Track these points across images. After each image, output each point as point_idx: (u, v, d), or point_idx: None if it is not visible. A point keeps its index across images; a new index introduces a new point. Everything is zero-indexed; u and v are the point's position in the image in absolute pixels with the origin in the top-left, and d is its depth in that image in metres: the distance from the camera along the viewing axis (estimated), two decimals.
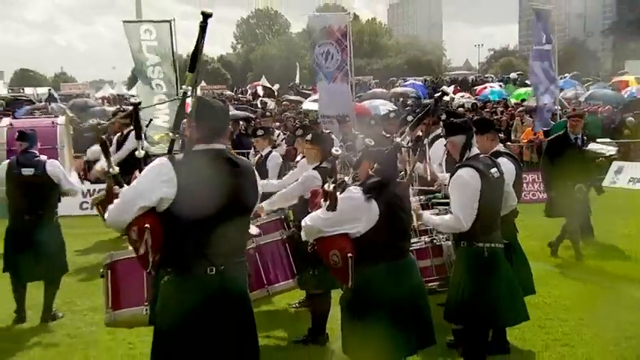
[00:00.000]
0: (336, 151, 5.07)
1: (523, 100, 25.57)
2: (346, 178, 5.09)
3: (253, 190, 4.40)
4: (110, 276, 5.97)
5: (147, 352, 6.37)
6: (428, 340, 5.09)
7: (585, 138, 10.53)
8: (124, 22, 16.54)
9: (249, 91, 39.45)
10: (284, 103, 29.06)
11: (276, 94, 35.34)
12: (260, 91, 34.60)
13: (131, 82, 56.19)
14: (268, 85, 38.58)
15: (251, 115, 24.96)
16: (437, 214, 6.03)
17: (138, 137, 5.08)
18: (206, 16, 4.50)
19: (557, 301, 8.08)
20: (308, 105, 23.93)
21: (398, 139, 5.44)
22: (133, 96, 33.45)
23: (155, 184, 4.02)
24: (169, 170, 3.97)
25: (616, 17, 59.27)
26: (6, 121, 15.07)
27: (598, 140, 14.94)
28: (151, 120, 12.97)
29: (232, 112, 23.38)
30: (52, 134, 14.56)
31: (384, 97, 27.45)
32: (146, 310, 5.84)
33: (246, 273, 4.53)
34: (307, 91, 34.50)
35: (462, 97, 31.62)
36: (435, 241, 6.16)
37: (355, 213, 4.69)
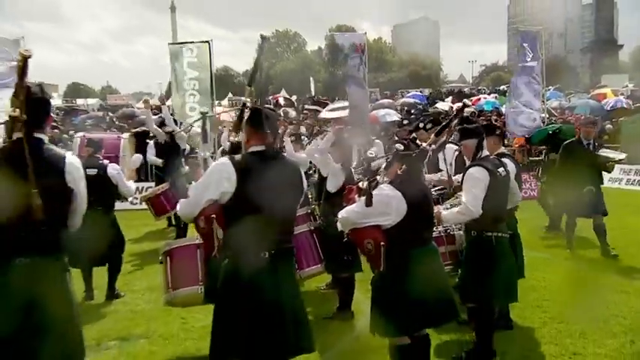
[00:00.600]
0: (371, 153, 5.22)
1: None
2: (379, 178, 5.12)
3: (298, 185, 4.55)
4: (168, 261, 6.14)
5: (198, 325, 6.78)
6: (451, 315, 5.17)
7: (596, 144, 10.58)
8: (170, 44, 16.98)
9: (272, 102, 39.39)
10: (303, 112, 28.70)
11: (295, 104, 35.32)
12: (282, 101, 34.55)
13: (167, 94, 56.07)
14: (287, 96, 38.54)
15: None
16: (447, 209, 6.07)
17: (204, 141, 5.29)
18: (264, 38, 4.73)
19: (551, 284, 8.14)
20: (325, 114, 23.93)
21: (425, 145, 5.39)
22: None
23: (219, 181, 4.20)
24: (230, 168, 4.16)
25: (594, 37, 58.87)
26: (80, 134, 15.75)
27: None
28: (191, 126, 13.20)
29: None
30: (116, 146, 14.86)
31: (390, 106, 27.55)
32: (201, 289, 6.01)
33: (293, 257, 4.69)
34: (324, 101, 34.34)
35: (457, 106, 31.08)
36: (448, 230, 6.22)
37: (386, 208, 4.76)
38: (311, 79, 61.60)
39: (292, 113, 29.33)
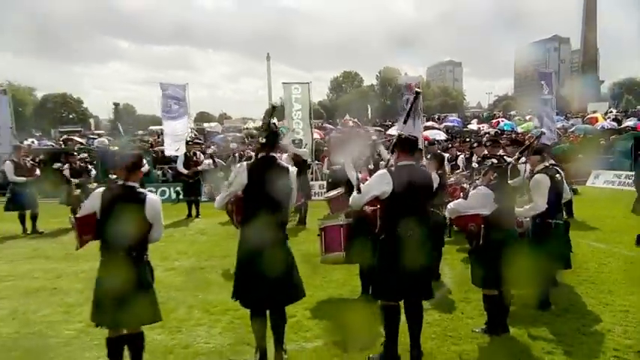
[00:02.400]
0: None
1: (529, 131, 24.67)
2: (477, 182, 5.27)
3: (430, 185, 4.62)
4: (323, 234, 6.13)
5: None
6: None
7: None
8: (283, 83, 17.38)
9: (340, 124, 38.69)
10: (371, 131, 28.68)
11: (360, 125, 35.16)
12: (350, 123, 34.32)
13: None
14: (355, 120, 38.44)
15: None
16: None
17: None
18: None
19: (581, 253, 7.75)
20: (391, 131, 24.05)
21: (509, 159, 5.58)
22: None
23: (380, 183, 4.38)
24: (388, 177, 4.38)
25: (581, 74, 57.15)
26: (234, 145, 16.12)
27: None
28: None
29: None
30: None
31: (435, 128, 27.08)
32: (343, 254, 6.01)
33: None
34: (385, 124, 34.12)
35: (483, 127, 30.42)
36: (518, 218, 5.81)
37: (484, 202, 4.88)
38: (369, 106, 61.28)
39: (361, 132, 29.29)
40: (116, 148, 20.17)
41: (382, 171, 4.57)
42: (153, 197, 4.25)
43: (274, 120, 4.57)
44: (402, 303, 4.53)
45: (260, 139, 4.54)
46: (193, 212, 13.17)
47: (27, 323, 5.66)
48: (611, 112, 37.48)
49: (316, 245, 6.47)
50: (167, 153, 17.38)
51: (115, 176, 4.59)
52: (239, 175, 4.38)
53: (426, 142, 20.23)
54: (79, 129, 50.90)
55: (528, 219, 5.74)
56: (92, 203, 4.11)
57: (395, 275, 4.35)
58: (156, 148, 21.69)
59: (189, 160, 13.40)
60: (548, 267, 5.81)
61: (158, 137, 28.55)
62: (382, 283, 4.48)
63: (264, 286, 4.24)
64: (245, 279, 4.33)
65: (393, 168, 4.58)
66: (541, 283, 5.73)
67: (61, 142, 28.17)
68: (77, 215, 4.16)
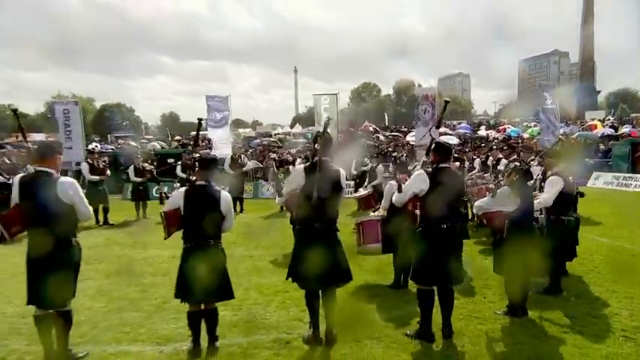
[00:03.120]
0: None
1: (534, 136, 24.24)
2: (501, 182, 5.27)
3: (461, 188, 4.76)
4: (361, 228, 6.10)
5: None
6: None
7: None
8: (314, 94, 17.51)
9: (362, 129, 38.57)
10: (389, 137, 28.60)
11: (379, 130, 35.11)
12: (371, 129, 33.99)
13: (292, 125, 56.74)
14: (374, 126, 38.34)
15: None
16: None
17: None
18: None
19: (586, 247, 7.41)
20: (409, 138, 24.02)
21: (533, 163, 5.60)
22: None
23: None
24: (424, 176, 4.46)
25: (579, 85, 56.13)
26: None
27: None
28: None
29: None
30: None
31: (448, 133, 26.66)
32: (380, 246, 6.02)
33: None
34: (401, 130, 34.09)
35: (491, 133, 29.94)
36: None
37: (506, 201, 4.93)
38: (385, 114, 61.06)
39: (382, 137, 29.03)
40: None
41: (420, 171, 4.64)
42: (225, 194, 4.43)
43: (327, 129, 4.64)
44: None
45: (316, 145, 4.64)
46: (238, 208, 13.38)
47: (112, 299, 5.87)
48: (608, 119, 36.78)
49: (348, 238, 6.33)
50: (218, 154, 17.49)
51: (193, 177, 4.62)
52: (297, 175, 4.53)
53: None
54: (132, 134, 51.60)
55: (543, 215, 5.74)
56: (176, 200, 4.32)
57: (431, 263, 4.43)
58: (200, 152, 21.87)
59: (235, 162, 13.61)
60: (561, 258, 5.82)
61: (202, 142, 28.90)
62: (420, 270, 4.55)
63: (319, 271, 4.34)
64: (303, 264, 4.44)
65: (429, 169, 4.63)
66: (554, 272, 5.73)
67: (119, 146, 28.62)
68: (164, 210, 4.35)
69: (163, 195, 6.27)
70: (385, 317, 5.24)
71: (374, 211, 7.55)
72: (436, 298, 4.62)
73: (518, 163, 5.24)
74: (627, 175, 16.70)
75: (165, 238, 4.36)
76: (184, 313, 4.51)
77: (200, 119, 5.76)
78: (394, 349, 4.43)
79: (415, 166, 6.11)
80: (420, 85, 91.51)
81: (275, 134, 41.86)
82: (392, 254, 6.19)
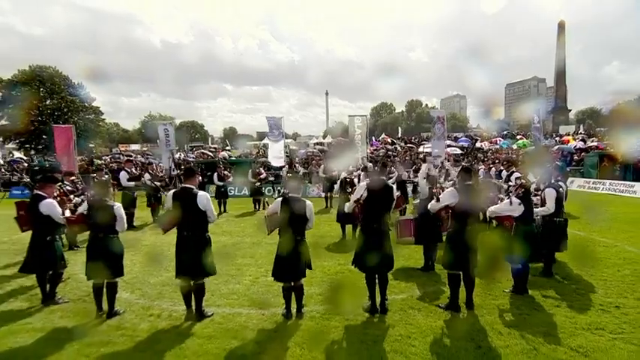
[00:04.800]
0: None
1: (524, 147, 23.28)
2: (511, 193, 5.12)
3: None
4: (398, 225, 6.07)
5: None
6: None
7: None
8: (349, 115, 17.26)
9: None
10: (404, 147, 27.84)
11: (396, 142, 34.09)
12: (389, 140, 32.97)
13: (324, 136, 56.30)
14: (392, 138, 37.48)
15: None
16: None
17: None
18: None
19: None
20: (420, 149, 23.46)
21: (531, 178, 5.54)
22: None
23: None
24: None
25: (554, 104, 54.30)
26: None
27: None
28: None
29: None
30: None
31: (452, 145, 25.55)
32: (413, 238, 6.03)
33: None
34: (414, 142, 32.78)
35: (485, 145, 28.22)
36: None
37: (515, 208, 4.91)
38: (399, 128, 60.09)
39: (398, 147, 28.17)
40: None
41: (451, 189, 4.72)
42: (309, 202, 4.58)
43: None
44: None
45: (376, 168, 4.84)
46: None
47: (218, 275, 5.56)
48: (581, 133, 35.30)
49: None
50: (273, 164, 17.40)
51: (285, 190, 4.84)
52: (361, 189, 4.69)
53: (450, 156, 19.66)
54: (202, 144, 52.40)
55: (539, 217, 5.69)
56: (275, 207, 4.55)
57: (459, 254, 4.56)
58: (262, 159, 21.18)
59: (291, 167, 13.81)
60: (552, 249, 5.82)
61: (258, 151, 29.25)
62: (451, 260, 4.65)
63: (376, 259, 4.53)
64: (365, 253, 4.57)
65: (458, 186, 4.72)
66: (547, 260, 5.77)
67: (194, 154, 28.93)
68: (266, 213, 4.63)
69: None
70: (421, 293, 5.32)
71: (400, 210, 7.60)
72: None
73: (523, 180, 5.12)
74: (596, 180, 16.35)
75: (267, 234, 4.61)
76: (274, 286, 4.77)
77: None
78: (431, 317, 4.58)
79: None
80: (427, 105, 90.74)
81: (313, 144, 41.56)
82: (422, 245, 6.22)
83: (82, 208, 4.84)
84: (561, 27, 48.44)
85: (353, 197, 4.80)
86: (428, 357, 3.75)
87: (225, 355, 3.85)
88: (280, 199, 4.56)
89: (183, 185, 4.57)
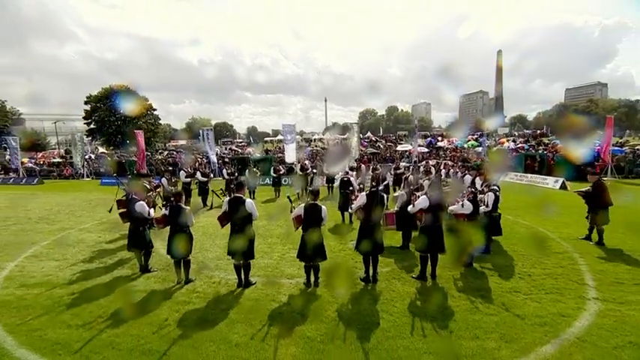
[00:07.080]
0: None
1: (473, 147, 22.13)
2: (464, 197, 4.99)
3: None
4: (385, 217, 5.45)
5: None
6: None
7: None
8: (349, 123, 17.37)
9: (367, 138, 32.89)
10: (385, 145, 25.92)
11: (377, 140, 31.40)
12: (373, 138, 30.82)
13: (324, 132, 53.39)
14: (375, 136, 34.18)
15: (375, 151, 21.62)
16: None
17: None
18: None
19: (508, 230, 6.40)
20: (400, 147, 22.55)
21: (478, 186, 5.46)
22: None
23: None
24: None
25: (494, 111, 53.34)
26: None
27: None
28: None
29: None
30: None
31: (420, 145, 23.56)
32: (395, 227, 5.69)
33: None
34: (393, 140, 30.26)
35: (444, 143, 26.16)
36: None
37: (467, 208, 4.87)
38: (380, 127, 58.62)
39: (381, 145, 26.38)
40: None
41: (424, 197, 4.62)
42: (324, 207, 4.49)
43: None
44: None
45: (373, 183, 4.72)
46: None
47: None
48: (514, 134, 34.72)
49: None
50: (287, 160, 17.00)
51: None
52: (363, 198, 4.58)
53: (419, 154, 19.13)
54: (231, 140, 51.43)
55: (482, 213, 5.57)
56: (300, 211, 4.52)
57: (429, 242, 4.64)
58: (277, 155, 19.51)
59: (302, 166, 13.17)
60: (490, 234, 5.76)
61: (275, 147, 28.27)
62: (423, 245, 4.71)
63: (372, 244, 4.57)
64: (363, 240, 4.60)
65: (428, 195, 4.61)
66: (486, 241, 5.71)
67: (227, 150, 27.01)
68: (293, 216, 4.60)
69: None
70: (400, 267, 5.36)
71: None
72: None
73: (473, 189, 5.10)
74: (521, 174, 16.59)
75: (294, 230, 4.64)
76: (299, 264, 4.76)
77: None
78: (407, 285, 4.69)
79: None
80: (402, 110, 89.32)
81: (315, 139, 38.89)
82: (401, 231, 6.11)
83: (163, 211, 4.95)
84: (499, 53, 48.11)
85: (355, 205, 4.73)
86: (406, 314, 3.91)
87: (268, 314, 3.98)
88: (303, 205, 4.56)
89: (235, 195, 4.67)
